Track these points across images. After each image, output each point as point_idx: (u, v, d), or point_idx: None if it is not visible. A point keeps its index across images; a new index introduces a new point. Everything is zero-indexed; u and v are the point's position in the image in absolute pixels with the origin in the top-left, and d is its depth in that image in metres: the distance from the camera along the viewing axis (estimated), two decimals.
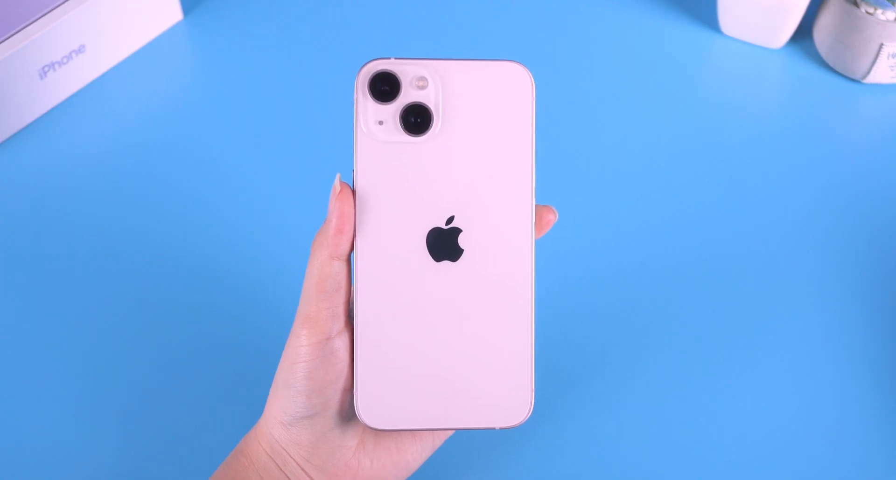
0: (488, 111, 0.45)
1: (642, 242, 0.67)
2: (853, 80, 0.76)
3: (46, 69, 0.71)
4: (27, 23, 0.69)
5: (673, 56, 0.78)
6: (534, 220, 0.46)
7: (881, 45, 0.72)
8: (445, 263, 0.46)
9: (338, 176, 0.45)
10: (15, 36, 0.68)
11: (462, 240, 0.46)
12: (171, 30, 0.78)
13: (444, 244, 0.46)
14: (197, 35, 0.79)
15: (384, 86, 0.45)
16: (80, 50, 0.73)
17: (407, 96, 0.45)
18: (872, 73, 0.74)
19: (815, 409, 0.60)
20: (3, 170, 0.71)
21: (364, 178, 0.45)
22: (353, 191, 0.45)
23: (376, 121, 0.45)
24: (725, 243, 0.67)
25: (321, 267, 0.45)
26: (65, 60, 0.72)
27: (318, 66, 0.77)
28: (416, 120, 0.45)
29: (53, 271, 0.66)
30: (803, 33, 0.78)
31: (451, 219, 0.46)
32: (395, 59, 0.45)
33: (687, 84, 0.76)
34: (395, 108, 0.45)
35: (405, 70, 0.45)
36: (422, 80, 0.45)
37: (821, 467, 0.58)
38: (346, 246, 0.45)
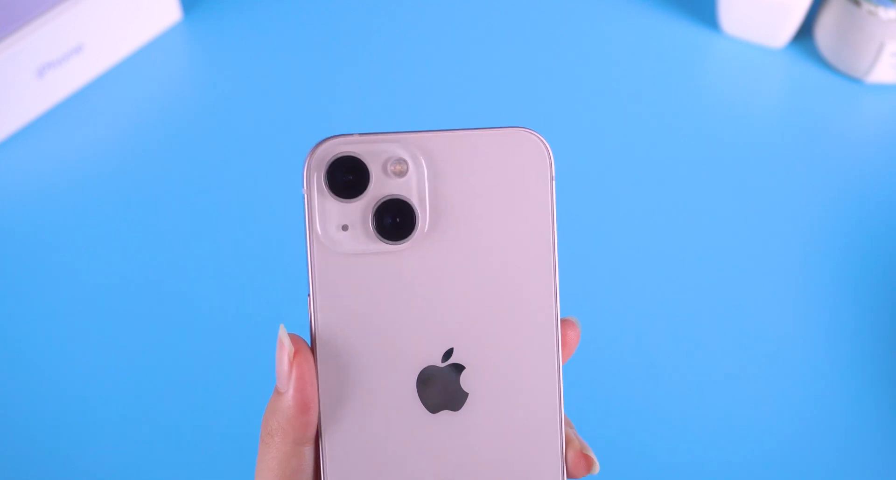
0: (491, 200, 0.34)
1: (642, 241, 0.67)
2: (855, 80, 0.76)
3: (45, 69, 0.71)
4: (25, 22, 0.69)
5: (673, 55, 0.77)
6: (560, 344, 0.35)
7: (882, 45, 0.72)
8: (445, 415, 0.34)
9: (282, 328, 0.33)
10: (13, 35, 0.68)
11: (465, 381, 0.34)
12: (170, 30, 0.78)
13: (441, 388, 0.34)
14: (196, 35, 0.78)
15: (347, 176, 0.33)
16: (79, 49, 0.72)
17: (380, 187, 0.34)
18: (874, 72, 0.74)
19: (814, 408, 0.60)
20: (2, 170, 0.71)
21: (325, 309, 0.33)
22: (312, 343, 0.34)
23: (338, 226, 0.33)
24: (726, 242, 0.67)
25: (285, 460, 0.33)
26: (63, 60, 0.72)
27: (317, 65, 0.77)
28: (395, 220, 0.34)
29: (51, 271, 0.65)
30: (805, 32, 0.78)
31: (449, 353, 0.34)
32: (360, 134, 0.33)
33: (688, 83, 0.76)
34: (363, 206, 0.33)
35: (375, 150, 0.33)
36: (399, 164, 0.33)
37: (820, 466, 0.58)
38: (314, 426, 0.34)
